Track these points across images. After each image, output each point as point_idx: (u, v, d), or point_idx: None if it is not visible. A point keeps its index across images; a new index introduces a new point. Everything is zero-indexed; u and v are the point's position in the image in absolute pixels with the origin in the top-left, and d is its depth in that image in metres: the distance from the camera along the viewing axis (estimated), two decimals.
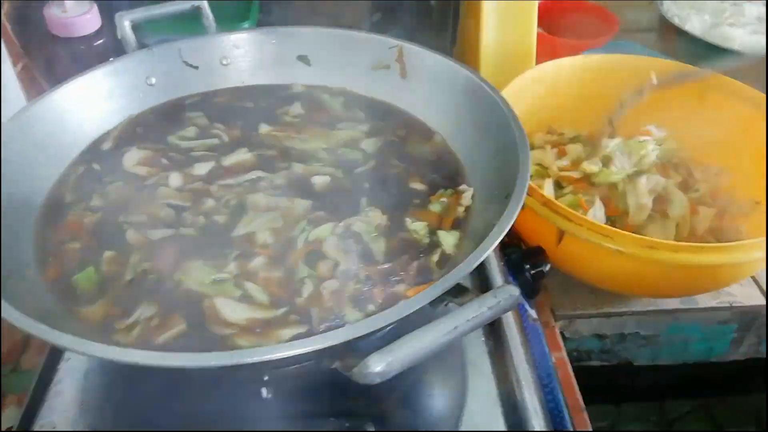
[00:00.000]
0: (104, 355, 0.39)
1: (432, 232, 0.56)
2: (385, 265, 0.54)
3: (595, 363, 0.83)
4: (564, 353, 0.73)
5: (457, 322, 0.36)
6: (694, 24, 1.02)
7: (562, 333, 0.78)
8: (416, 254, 0.55)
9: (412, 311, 0.39)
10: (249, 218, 0.57)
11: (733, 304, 0.77)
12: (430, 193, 0.61)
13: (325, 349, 0.38)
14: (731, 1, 1.05)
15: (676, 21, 1.02)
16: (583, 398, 0.79)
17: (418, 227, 0.57)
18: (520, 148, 0.53)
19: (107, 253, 0.53)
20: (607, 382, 0.90)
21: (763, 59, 0.92)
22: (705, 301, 0.77)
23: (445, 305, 0.44)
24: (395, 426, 0.53)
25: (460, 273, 0.41)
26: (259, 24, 1.04)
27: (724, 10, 1.03)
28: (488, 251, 0.42)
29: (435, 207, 0.60)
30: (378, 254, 0.55)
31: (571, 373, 0.70)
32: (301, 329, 0.48)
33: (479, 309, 0.37)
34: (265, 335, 0.48)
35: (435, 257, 0.55)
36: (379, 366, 0.34)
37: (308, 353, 0.38)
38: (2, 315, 0.40)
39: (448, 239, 0.56)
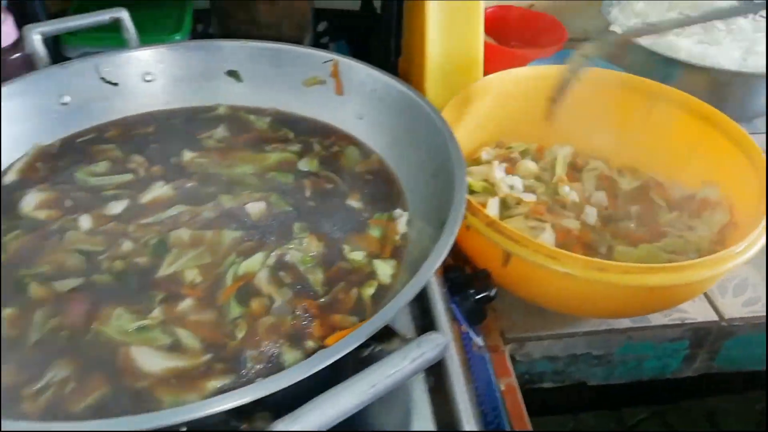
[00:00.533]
0: None
1: (371, 260, 0.53)
2: (323, 298, 0.50)
3: (547, 385, 0.80)
4: (513, 379, 0.70)
5: (374, 379, 0.33)
6: None
7: (512, 356, 0.75)
8: (354, 285, 0.51)
9: (328, 364, 0.35)
10: (173, 257, 0.53)
11: (685, 321, 0.76)
12: (368, 216, 0.57)
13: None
14: (677, 11, 1.05)
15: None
16: (540, 411, 0.77)
17: (357, 256, 0.54)
18: (456, 172, 0.50)
19: (6, 312, 0.48)
20: (562, 400, 0.88)
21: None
22: (657, 319, 0.75)
23: (373, 349, 0.40)
24: None
25: (382, 319, 0.37)
26: (195, 36, 0.99)
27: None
28: (414, 293, 0.38)
29: (374, 232, 0.56)
30: (315, 285, 0.51)
31: (521, 400, 0.67)
32: (227, 380, 0.44)
33: (400, 363, 0.33)
34: (188, 387, 0.44)
35: (371, 290, 0.51)
36: None
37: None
38: None
39: (385, 269, 0.53)
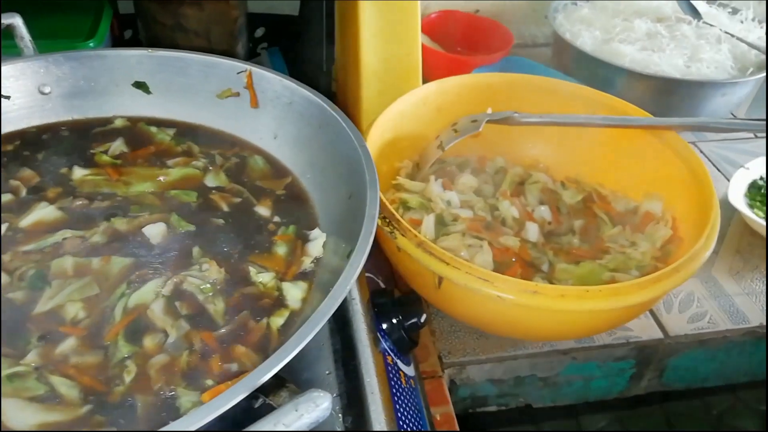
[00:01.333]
0: None
1: (279, 282, 0.49)
2: (224, 329, 0.46)
3: (491, 408, 0.77)
4: (450, 407, 0.65)
5: None
6: (585, 40, 0.98)
7: (453, 380, 0.71)
8: (259, 314, 0.46)
9: (201, 425, 0.30)
10: (54, 290, 0.47)
11: (630, 340, 0.73)
12: (274, 233, 0.53)
13: None
14: (621, 17, 1.02)
15: (568, 36, 0.98)
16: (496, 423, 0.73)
17: (265, 279, 0.49)
18: (369, 195, 0.45)
19: None
20: (514, 416, 0.84)
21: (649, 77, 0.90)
22: (601, 338, 0.72)
23: (264, 401, 0.35)
24: None
25: (266, 370, 0.32)
26: (120, 44, 0.93)
27: (614, 26, 0.99)
28: (306, 340, 0.33)
29: (280, 249, 0.52)
30: (216, 316, 0.47)
31: (457, 429, 0.63)
32: None
33: (273, 428, 0.29)
34: None
35: (280, 320, 0.46)
36: None
37: None
38: None
39: (294, 292, 0.48)
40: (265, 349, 0.44)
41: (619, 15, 1.03)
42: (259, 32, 1.10)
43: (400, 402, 0.54)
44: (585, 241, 0.74)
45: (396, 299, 0.60)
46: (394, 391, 0.54)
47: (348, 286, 0.37)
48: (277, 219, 0.54)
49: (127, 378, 0.42)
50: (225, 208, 0.54)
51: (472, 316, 0.65)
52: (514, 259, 0.70)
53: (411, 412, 0.55)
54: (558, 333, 0.66)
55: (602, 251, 0.72)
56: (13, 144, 0.59)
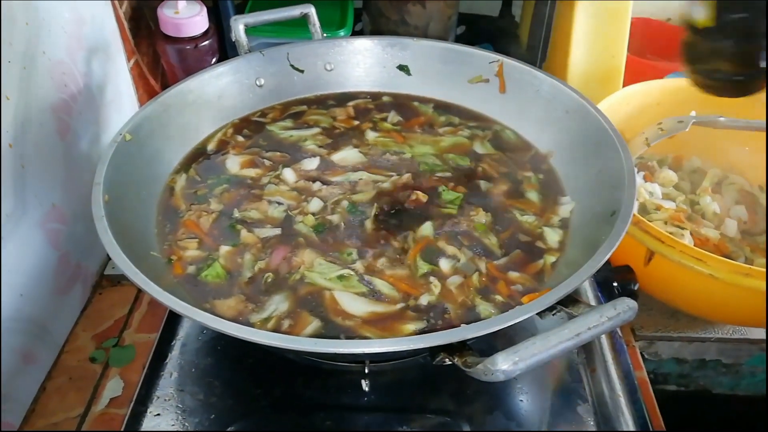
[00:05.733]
0: (278, 344, 0.41)
1: (541, 225, 0.60)
2: (502, 259, 0.56)
3: (671, 387, 0.82)
4: (644, 372, 0.72)
5: (579, 329, 0.38)
6: None
7: (641, 353, 0.77)
8: (531, 250, 0.57)
9: (526, 317, 0.41)
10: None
11: None
12: (522, 182, 0.64)
13: (444, 345, 0.40)
14: None
15: None
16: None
17: (529, 219, 0.60)
18: (627, 169, 0.54)
19: (224, 249, 0.57)
20: (683, 410, 0.88)
21: None
22: None
23: (553, 314, 0.45)
24: (488, 427, 0.54)
25: (574, 283, 0.42)
26: (353, 34, 1.07)
27: None
28: (602, 261, 0.43)
29: (531, 195, 0.63)
30: (492, 247, 0.58)
31: (652, 393, 0.70)
32: (421, 324, 0.51)
33: (599, 319, 0.38)
34: (386, 328, 0.50)
35: (553, 258, 0.56)
36: (506, 364, 0.36)
37: (427, 348, 0.40)
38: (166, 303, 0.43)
39: (553, 236, 0.59)
40: (540, 278, 0.54)
41: None
42: (459, 30, 1.20)
43: (622, 357, 0.62)
44: None
45: (613, 268, 0.68)
46: (615, 340, 0.62)
47: (625, 228, 0.47)
48: (531, 176, 0.65)
49: (435, 290, 0.53)
50: (495, 173, 0.66)
51: (676, 293, 0.72)
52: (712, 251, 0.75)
53: (624, 363, 0.63)
54: (756, 318, 0.71)
55: None
56: (311, 106, 0.75)
